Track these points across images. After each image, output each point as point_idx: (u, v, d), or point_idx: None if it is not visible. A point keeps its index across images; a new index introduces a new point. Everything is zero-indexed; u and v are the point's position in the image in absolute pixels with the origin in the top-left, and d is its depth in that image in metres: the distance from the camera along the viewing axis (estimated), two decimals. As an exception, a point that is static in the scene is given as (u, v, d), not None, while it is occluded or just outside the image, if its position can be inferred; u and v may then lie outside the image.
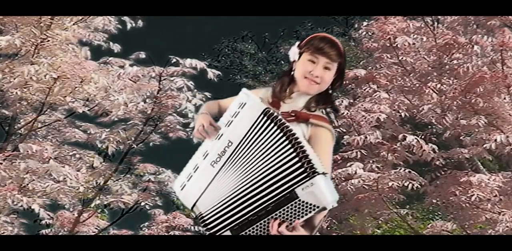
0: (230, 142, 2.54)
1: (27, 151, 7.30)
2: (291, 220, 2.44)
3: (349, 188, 8.35)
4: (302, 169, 2.42)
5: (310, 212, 2.43)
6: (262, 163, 2.48)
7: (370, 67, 9.74)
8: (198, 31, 19.78)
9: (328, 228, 9.10)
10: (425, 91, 8.93)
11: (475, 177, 8.04)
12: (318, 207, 2.42)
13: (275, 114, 2.51)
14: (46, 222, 9.21)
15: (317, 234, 2.55)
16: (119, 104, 8.08)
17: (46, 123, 8.79)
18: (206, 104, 2.83)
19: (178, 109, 8.67)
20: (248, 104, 2.56)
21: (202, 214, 2.57)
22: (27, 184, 7.41)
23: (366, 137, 8.39)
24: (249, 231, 2.49)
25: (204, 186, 2.57)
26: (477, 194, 7.97)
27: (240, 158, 2.52)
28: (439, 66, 9.00)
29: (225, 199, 2.52)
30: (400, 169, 8.46)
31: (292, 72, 2.73)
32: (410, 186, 8.34)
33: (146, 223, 9.84)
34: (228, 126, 2.58)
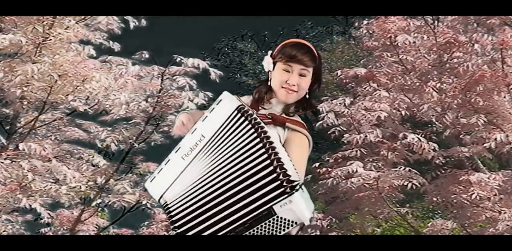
0: (202, 136, 2.54)
1: (29, 150, 7.30)
2: (270, 234, 2.44)
3: (349, 187, 8.36)
4: (279, 182, 2.40)
5: (288, 227, 2.43)
6: (233, 161, 2.47)
7: (370, 66, 9.72)
8: (198, 30, 19.77)
9: (328, 227, 9.10)
10: (425, 90, 8.92)
11: (475, 176, 8.03)
12: (296, 222, 2.43)
13: (250, 111, 2.50)
14: (46, 221, 9.22)
15: (317, 233, 2.57)
16: (120, 103, 8.07)
17: (47, 122, 8.79)
18: (191, 112, 2.79)
19: (180, 109, 8.66)
20: (223, 101, 2.56)
21: (167, 204, 2.57)
22: (28, 183, 7.40)
23: (366, 136, 8.38)
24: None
25: (173, 178, 2.57)
26: (477, 193, 7.97)
27: (211, 151, 2.52)
28: (439, 65, 9.00)
29: (192, 192, 2.53)
30: (400, 167, 8.47)
31: (269, 82, 2.74)
32: (410, 184, 8.35)
33: (146, 222, 9.84)
34: (203, 120, 2.58)
